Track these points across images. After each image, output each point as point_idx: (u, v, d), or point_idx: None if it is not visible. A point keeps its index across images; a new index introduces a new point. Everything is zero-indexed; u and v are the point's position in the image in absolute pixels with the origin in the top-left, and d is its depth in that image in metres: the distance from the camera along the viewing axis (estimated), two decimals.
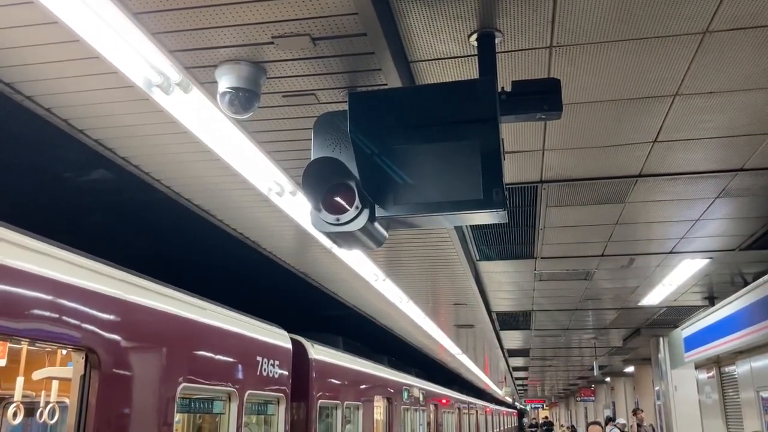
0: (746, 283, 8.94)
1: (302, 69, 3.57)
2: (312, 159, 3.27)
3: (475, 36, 3.50)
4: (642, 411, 15.03)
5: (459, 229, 6.69)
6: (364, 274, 8.30)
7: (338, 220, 3.36)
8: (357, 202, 3.34)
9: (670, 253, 7.89)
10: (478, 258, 8.16)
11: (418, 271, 8.47)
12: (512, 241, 7.41)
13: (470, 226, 6.82)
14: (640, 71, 3.86)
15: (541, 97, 3.32)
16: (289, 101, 3.89)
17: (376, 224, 3.46)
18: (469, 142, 3.20)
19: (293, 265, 8.08)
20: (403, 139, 3.25)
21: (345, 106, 3.34)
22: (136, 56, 3.41)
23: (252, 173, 4.98)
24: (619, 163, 5.22)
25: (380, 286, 9.00)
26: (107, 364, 3.71)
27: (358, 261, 7.70)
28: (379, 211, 3.29)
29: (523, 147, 4.93)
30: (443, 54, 3.63)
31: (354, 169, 3.32)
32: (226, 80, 3.49)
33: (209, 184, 5.33)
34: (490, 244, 7.55)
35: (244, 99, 3.46)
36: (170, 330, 4.44)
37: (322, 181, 3.36)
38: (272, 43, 3.31)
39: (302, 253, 7.55)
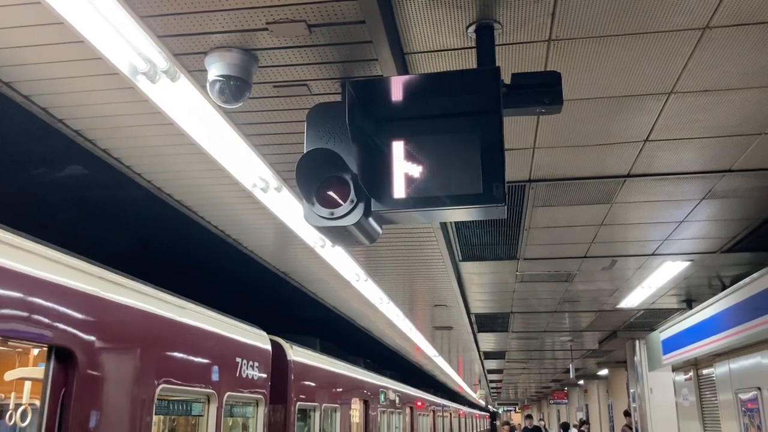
0: (724, 286, 9.02)
1: (296, 58, 3.46)
2: (306, 151, 3.16)
3: (473, 27, 3.42)
4: (628, 415, 15.16)
5: (444, 229, 6.62)
6: (346, 274, 8.20)
7: (332, 214, 3.26)
8: (352, 195, 3.25)
9: (652, 255, 7.91)
10: (461, 258, 8.10)
11: (400, 272, 8.39)
12: (497, 241, 7.36)
13: (455, 226, 6.77)
14: (638, 67, 3.82)
15: (541, 91, 3.26)
16: (280, 92, 3.77)
17: (370, 219, 3.37)
18: (471, 135, 3.13)
19: (274, 264, 7.95)
20: (401, 130, 3.17)
21: (337, 98, 3.26)
22: (122, 41, 3.27)
23: (237, 168, 4.85)
24: (610, 163, 5.20)
25: (361, 287, 8.90)
26: (83, 364, 3.55)
27: (340, 261, 7.59)
28: (375, 205, 3.20)
29: (514, 145, 4.88)
30: (441, 46, 3.55)
31: (349, 161, 3.22)
32: (216, 68, 3.36)
33: (192, 178, 5.18)
34: (474, 244, 7.49)
35: (235, 88, 3.34)
36: (148, 329, 4.30)
37: (316, 174, 3.26)
38: (266, 29, 3.19)
39: (284, 252, 7.42)
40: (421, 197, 3.15)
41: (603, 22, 3.40)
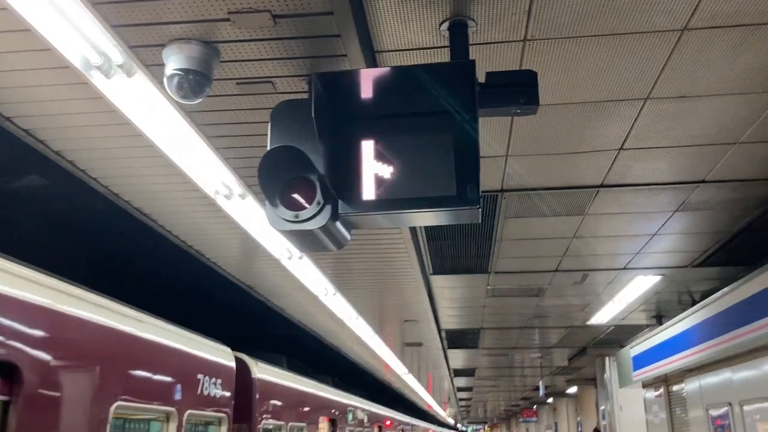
0: (694, 302, 9.01)
1: (260, 52, 3.27)
2: (269, 148, 2.97)
3: (447, 24, 3.29)
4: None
5: (415, 240, 6.46)
6: (314, 288, 7.97)
7: (297, 216, 3.07)
8: (319, 197, 3.06)
9: (624, 269, 7.86)
10: (432, 272, 7.95)
11: (370, 285, 8.20)
12: (468, 254, 7.23)
13: (426, 236, 6.61)
14: (615, 71, 3.72)
15: (517, 90, 3.13)
16: (243, 89, 3.58)
17: (338, 224, 3.19)
18: (444, 134, 2.98)
19: (239, 277, 7.69)
20: (372, 129, 3.01)
21: (305, 96, 3.09)
22: (73, 31, 3.06)
23: (198, 173, 4.62)
24: (583, 173, 5.10)
25: (330, 302, 8.68)
26: (29, 380, 3.28)
27: (308, 273, 7.37)
28: (342, 208, 3.02)
29: (487, 152, 4.75)
30: (413, 44, 3.41)
31: (316, 161, 3.04)
32: (174, 61, 3.16)
33: (151, 184, 4.94)
34: (446, 257, 7.35)
35: (194, 82, 3.15)
36: (104, 344, 4.04)
37: (280, 174, 3.06)
38: (228, 19, 3.01)
39: (249, 264, 7.18)
40: (392, 199, 2.98)
41: (581, 21, 3.30)
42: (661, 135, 4.50)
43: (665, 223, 6.21)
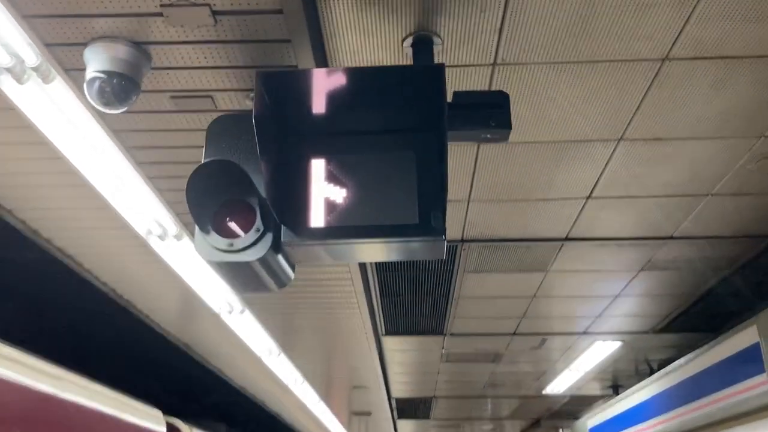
0: (651, 370, 8.71)
1: (198, 58, 2.86)
2: (202, 162, 2.52)
3: (410, 40, 2.96)
4: None
5: (368, 294, 6.00)
6: (257, 348, 7.34)
7: (231, 245, 2.63)
8: (258, 223, 2.65)
9: (584, 333, 7.52)
10: (384, 332, 7.46)
11: (318, 345, 7.65)
12: (423, 312, 6.79)
13: (380, 291, 6.15)
14: (589, 105, 3.44)
15: (487, 112, 2.78)
16: (178, 105, 3.14)
17: (280, 256, 2.74)
18: (406, 152, 2.60)
19: (174, 332, 7.03)
20: (323, 145, 2.61)
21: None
22: None
23: (127, 208, 4.10)
24: (548, 223, 4.78)
25: (273, 363, 8.02)
26: None
27: (250, 330, 6.77)
28: (286, 236, 2.57)
29: (448, 196, 4.38)
30: (371, 60, 3.05)
31: (257, 181, 2.61)
32: (97, 62, 2.72)
33: (73, 219, 4.37)
34: (400, 315, 6.89)
35: (118, 87, 2.70)
36: (14, 402, 3.43)
37: (214, 194, 2.63)
38: (161, 14, 2.60)
39: (186, 318, 6.57)
40: (344, 227, 2.57)
41: (556, 45, 3.01)
42: (631, 182, 4.23)
43: (629, 283, 5.92)
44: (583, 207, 4.54)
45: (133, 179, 3.83)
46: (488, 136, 2.80)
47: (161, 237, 4.48)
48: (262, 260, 2.64)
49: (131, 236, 4.51)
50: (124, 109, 2.75)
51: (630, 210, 4.59)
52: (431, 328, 7.34)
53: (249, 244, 2.61)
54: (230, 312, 6.08)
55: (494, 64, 3.15)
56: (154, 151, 3.59)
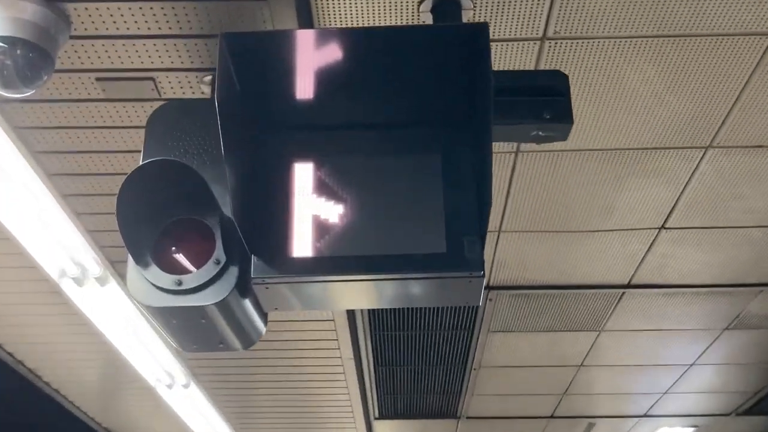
0: None
1: (135, 23, 2.71)
2: (140, 164, 2.33)
3: (429, 2, 2.86)
4: None
5: (358, 363, 5.93)
6: None
7: (180, 284, 2.46)
8: (218, 253, 2.48)
9: (644, 416, 7.68)
10: (377, 415, 7.50)
11: None
12: (431, 387, 6.82)
13: (374, 358, 6.02)
14: (672, 96, 3.32)
15: (539, 100, 2.65)
16: (107, 91, 2.98)
17: (248, 302, 2.56)
18: (431, 152, 2.46)
19: (93, 415, 7.03)
20: (311, 140, 2.48)
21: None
22: None
23: (38, 247, 4.01)
24: (604, 264, 4.78)
25: None
26: None
27: (197, 411, 6.67)
28: (258, 271, 2.38)
29: None
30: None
31: (219, 194, 2.45)
32: None
33: None
34: (399, 391, 6.91)
35: (23, 62, 2.55)
36: None
37: (155, 212, 2.45)
38: None
39: (110, 395, 6.58)
40: (340, 257, 2.39)
41: (630, 12, 2.88)
42: (719, 207, 4.18)
43: (708, 346, 5.99)
44: (653, 241, 4.52)
45: (48, 204, 3.69)
46: (540, 133, 2.70)
47: (77, 281, 4.43)
48: (222, 305, 2.46)
49: (41, 279, 4.42)
50: (30, 92, 2.61)
51: (716, 246, 4.58)
52: (441, 410, 7.38)
53: (204, 281, 2.44)
54: (170, 386, 6.02)
55: (543, 38, 3.06)
56: (71, 158, 3.46)
